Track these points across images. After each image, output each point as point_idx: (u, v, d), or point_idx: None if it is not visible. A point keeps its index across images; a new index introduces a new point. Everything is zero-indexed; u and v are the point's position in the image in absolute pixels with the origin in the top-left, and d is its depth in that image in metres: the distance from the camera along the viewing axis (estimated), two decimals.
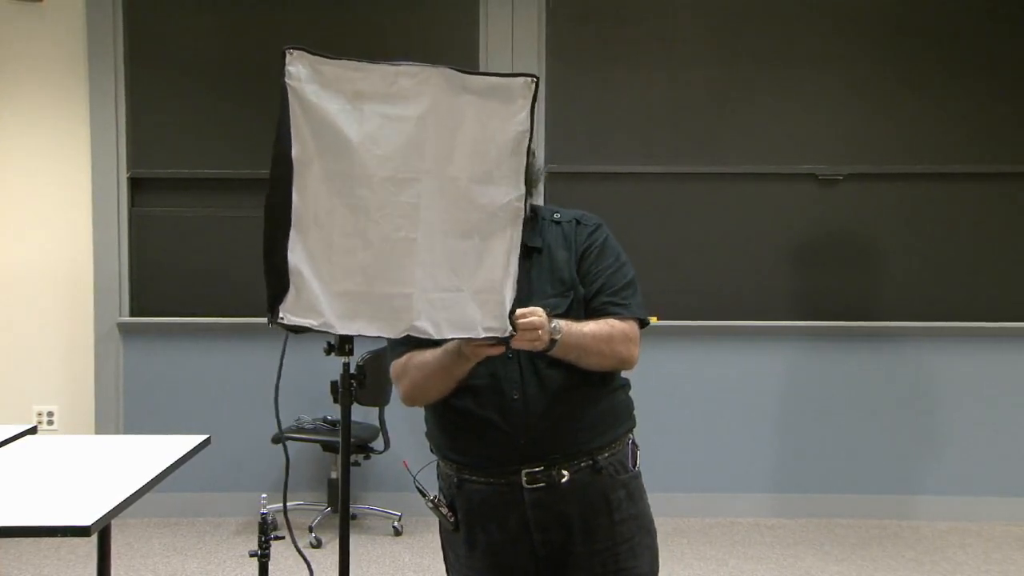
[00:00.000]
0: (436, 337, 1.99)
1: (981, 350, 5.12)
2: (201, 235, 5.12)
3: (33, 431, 3.00)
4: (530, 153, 2.04)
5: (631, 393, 2.27)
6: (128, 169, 5.10)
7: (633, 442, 2.22)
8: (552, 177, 5.10)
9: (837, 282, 5.15)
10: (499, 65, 4.97)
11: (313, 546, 4.64)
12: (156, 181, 5.15)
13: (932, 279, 5.14)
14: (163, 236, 5.11)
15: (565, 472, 2.10)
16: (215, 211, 5.08)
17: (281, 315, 1.96)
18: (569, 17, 5.09)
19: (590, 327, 2.09)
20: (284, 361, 2.24)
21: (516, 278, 1.97)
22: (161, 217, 5.09)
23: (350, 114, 1.95)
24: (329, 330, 2.00)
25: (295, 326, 1.98)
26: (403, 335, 2.00)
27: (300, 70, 1.95)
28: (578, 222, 2.22)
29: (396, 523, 4.86)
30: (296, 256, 1.93)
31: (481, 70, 4.92)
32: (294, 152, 1.93)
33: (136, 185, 5.13)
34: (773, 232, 5.14)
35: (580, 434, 2.13)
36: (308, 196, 1.92)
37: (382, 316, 1.99)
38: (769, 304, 5.14)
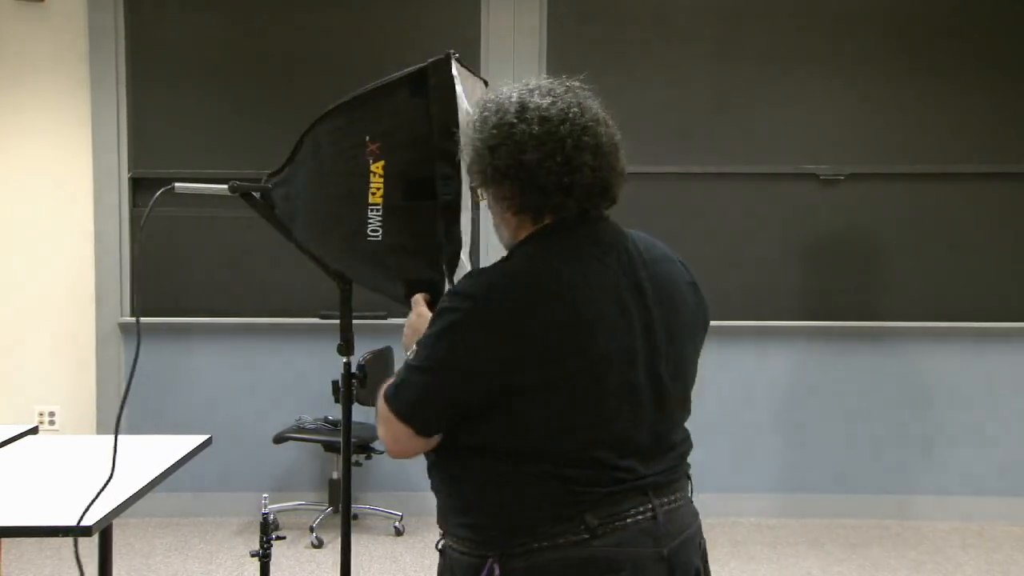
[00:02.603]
0: None
1: (984, 350, 5.12)
2: (202, 236, 5.12)
3: (35, 431, 3.01)
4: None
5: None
6: (129, 169, 5.10)
7: (493, 566, 1.64)
8: None
9: (839, 282, 5.15)
10: (500, 65, 4.98)
11: (315, 546, 4.64)
12: (157, 181, 5.15)
13: (934, 279, 5.14)
14: (165, 236, 5.11)
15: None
16: (216, 212, 5.08)
17: None
18: (570, 17, 5.10)
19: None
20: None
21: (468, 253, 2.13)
22: (162, 217, 5.09)
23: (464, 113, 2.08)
24: None
25: None
26: None
27: (455, 73, 2.02)
28: None
29: (397, 523, 4.86)
30: (462, 244, 2.05)
31: (481, 71, 4.94)
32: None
33: (137, 185, 5.13)
34: (774, 232, 5.14)
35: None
36: (464, 187, 2.02)
37: None
38: (770, 304, 5.14)
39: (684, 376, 1.77)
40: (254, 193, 2.23)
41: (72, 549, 1.99)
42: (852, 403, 5.14)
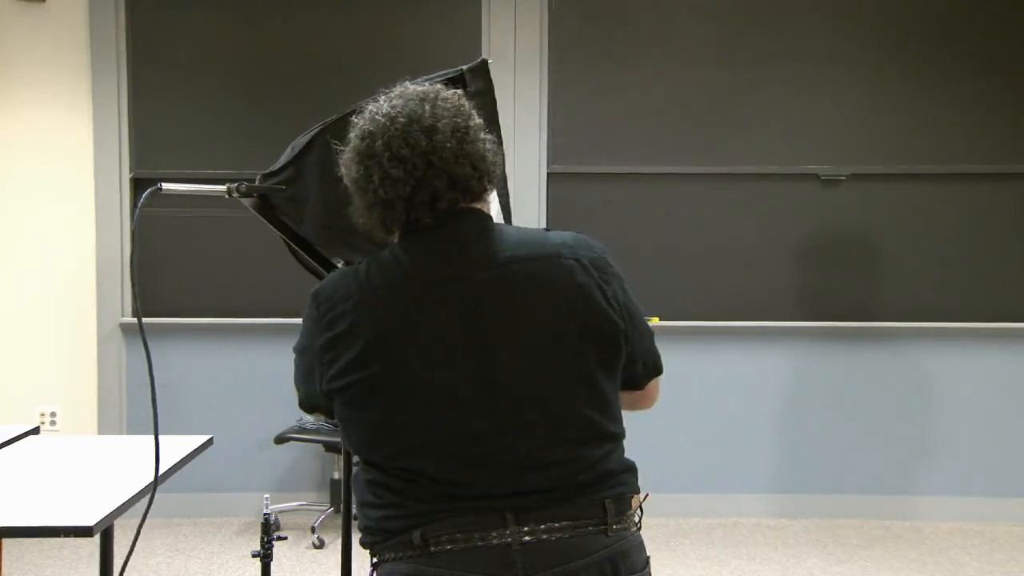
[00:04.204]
0: None
1: (985, 351, 5.12)
2: (204, 236, 5.12)
3: (36, 432, 3.01)
4: None
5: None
6: (131, 170, 5.10)
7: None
8: (554, 178, 5.10)
9: (840, 283, 5.15)
10: (502, 66, 4.98)
11: (316, 546, 4.64)
12: (159, 182, 5.14)
13: (936, 280, 5.13)
14: (166, 237, 5.12)
15: None
16: (218, 212, 5.08)
17: None
18: (572, 17, 5.10)
19: None
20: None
21: None
22: (164, 218, 5.10)
23: None
24: None
25: None
26: None
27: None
28: None
29: None
30: None
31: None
32: None
33: (139, 186, 5.13)
34: (776, 232, 5.14)
35: None
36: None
37: None
38: (771, 304, 5.14)
39: (549, 386, 1.60)
40: (255, 195, 2.23)
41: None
42: (854, 403, 5.14)
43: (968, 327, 5.10)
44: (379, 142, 1.62)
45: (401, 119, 1.63)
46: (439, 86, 1.71)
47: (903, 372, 5.13)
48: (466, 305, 1.60)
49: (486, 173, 1.68)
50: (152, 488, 2.11)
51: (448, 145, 1.62)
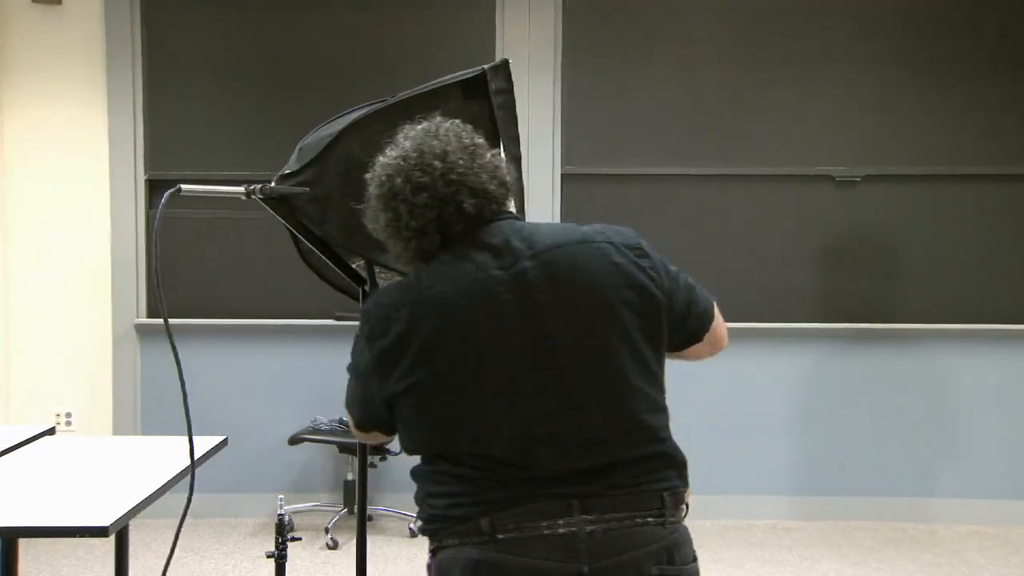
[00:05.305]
0: None
1: (1001, 352, 5.09)
2: (218, 237, 5.14)
3: (51, 432, 3.02)
4: None
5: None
6: (146, 171, 5.12)
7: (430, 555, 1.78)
8: (567, 179, 5.10)
9: (855, 284, 5.13)
10: (515, 66, 4.97)
11: (330, 547, 4.64)
12: (174, 184, 5.15)
13: (952, 281, 5.11)
14: (181, 238, 5.13)
15: None
16: (232, 213, 5.10)
17: None
18: (585, 17, 5.09)
19: None
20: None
21: None
22: (179, 219, 5.12)
23: None
24: None
25: None
26: None
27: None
28: None
29: (412, 524, 4.86)
30: None
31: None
32: None
33: (154, 187, 5.15)
34: (790, 234, 5.12)
35: None
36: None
37: None
38: (786, 306, 5.12)
39: (604, 361, 1.67)
40: (273, 197, 2.22)
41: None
42: (868, 405, 5.11)
43: (985, 328, 5.07)
44: (399, 179, 1.73)
45: (414, 154, 1.75)
46: (437, 119, 1.82)
47: (918, 374, 5.10)
48: (518, 293, 1.67)
49: (500, 179, 1.78)
50: (189, 491, 2.11)
51: (461, 161, 1.74)
